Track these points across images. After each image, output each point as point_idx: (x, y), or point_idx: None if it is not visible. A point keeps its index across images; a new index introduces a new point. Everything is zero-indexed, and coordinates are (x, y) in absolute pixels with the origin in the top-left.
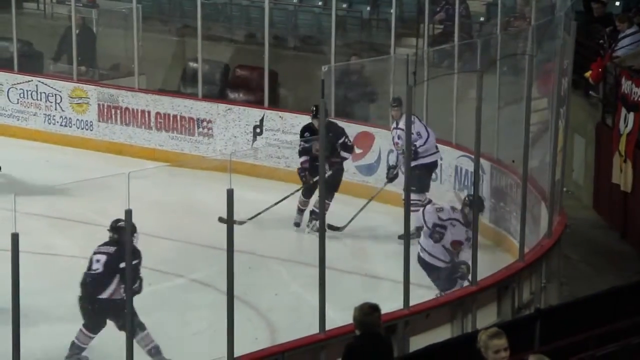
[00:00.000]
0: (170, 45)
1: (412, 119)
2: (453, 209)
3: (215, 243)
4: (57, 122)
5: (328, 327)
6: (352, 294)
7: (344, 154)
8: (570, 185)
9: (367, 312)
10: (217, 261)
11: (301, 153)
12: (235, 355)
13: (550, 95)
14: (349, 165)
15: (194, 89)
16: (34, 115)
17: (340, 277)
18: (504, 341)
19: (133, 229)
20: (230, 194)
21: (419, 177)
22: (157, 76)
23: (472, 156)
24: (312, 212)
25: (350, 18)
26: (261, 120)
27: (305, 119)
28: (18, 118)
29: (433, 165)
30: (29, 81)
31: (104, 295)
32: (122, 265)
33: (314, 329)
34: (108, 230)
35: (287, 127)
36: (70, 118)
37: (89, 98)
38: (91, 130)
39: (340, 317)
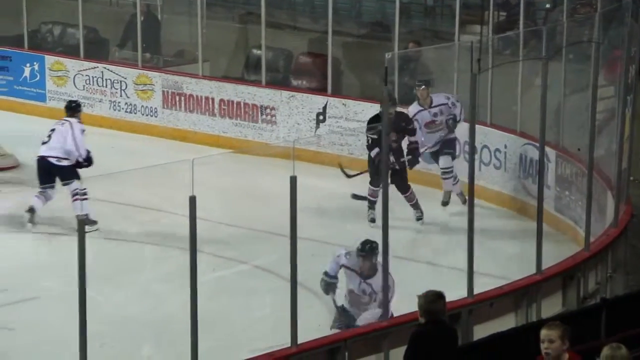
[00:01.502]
0: (234, 32)
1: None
2: (347, 254)
3: (278, 229)
4: (122, 108)
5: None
6: (416, 282)
7: (412, 139)
8: (637, 174)
9: (433, 300)
10: (280, 248)
11: (371, 146)
12: (299, 341)
13: (616, 82)
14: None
15: (258, 76)
16: (100, 101)
17: (403, 265)
18: (550, 332)
19: None
20: (293, 181)
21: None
22: (220, 63)
23: (537, 144)
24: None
25: (415, 5)
26: (324, 108)
27: (367, 106)
28: (84, 104)
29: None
30: (95, 68)
31: None
32: None
33: None
34: None
35: (350, 114)
36: (135, 105)
37: (153, 85)
38: (155, 116)
39: (403, 305)
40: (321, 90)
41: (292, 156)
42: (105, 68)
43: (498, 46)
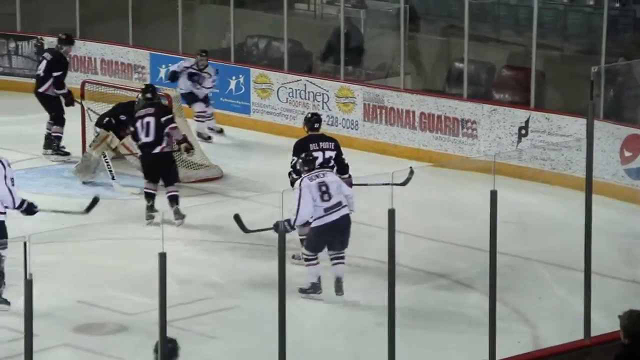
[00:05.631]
0: (436, 45)
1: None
2: None
3: (477, 244)
4: (324, 121)
5: (593, 333)
6: (619, 300)
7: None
8: None
9: (637, 320)
10: (479, 262)
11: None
12: (497, 357)
13: None
14: (618, 169)
15: (459, 89)
16: (302, 114)
17: (606, 282)
18: None
19: None
20: (493, 195)
21: None
22: (422, 76)
23: None
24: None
25: (623, 17)
26: (527, 122)
27: (572, 121)
28: (286, 117)
29: None
30: (298, 80)
31: None
32: None
33: (579, 335)
34: None
35: (553, 128)
36: (336, 117)
37: (355, 98)
38: (356, 129)
39: (606, 323)
40: (524, 104)
41: (492, 170)
42: (308, 81)
43: None
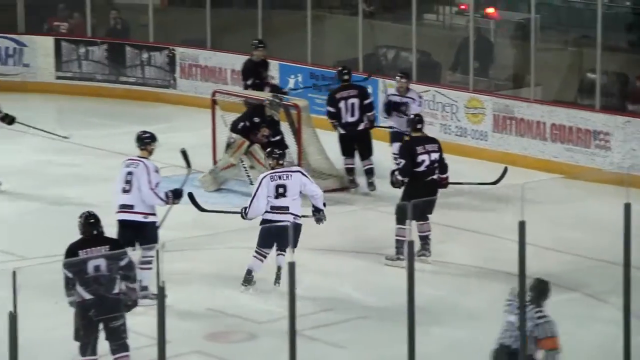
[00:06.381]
0: (568, 55)
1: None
2: None
3: (610, 257)
4: (453, 131)
5: None
6: None
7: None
8: None
9: None
10: (612, 276)
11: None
12: None
13: None
14: None
15: (591, 100)
16: (430, 124)
17: None
18: None
19: None
20: (627, 208)
21: None
22: (553, 87)
23: None
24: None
25: None
26: None
27: None
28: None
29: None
30: (427, 91)
31: None
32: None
33: None
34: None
35: None
36: (465, 128)
37: (484, 108)
38: (486, 140)
39: None
40: None
41: (626, 183)
42: (436, 91)
43: None
